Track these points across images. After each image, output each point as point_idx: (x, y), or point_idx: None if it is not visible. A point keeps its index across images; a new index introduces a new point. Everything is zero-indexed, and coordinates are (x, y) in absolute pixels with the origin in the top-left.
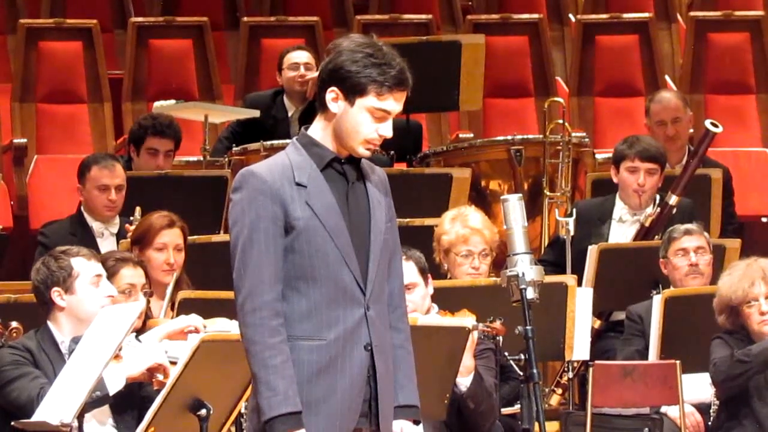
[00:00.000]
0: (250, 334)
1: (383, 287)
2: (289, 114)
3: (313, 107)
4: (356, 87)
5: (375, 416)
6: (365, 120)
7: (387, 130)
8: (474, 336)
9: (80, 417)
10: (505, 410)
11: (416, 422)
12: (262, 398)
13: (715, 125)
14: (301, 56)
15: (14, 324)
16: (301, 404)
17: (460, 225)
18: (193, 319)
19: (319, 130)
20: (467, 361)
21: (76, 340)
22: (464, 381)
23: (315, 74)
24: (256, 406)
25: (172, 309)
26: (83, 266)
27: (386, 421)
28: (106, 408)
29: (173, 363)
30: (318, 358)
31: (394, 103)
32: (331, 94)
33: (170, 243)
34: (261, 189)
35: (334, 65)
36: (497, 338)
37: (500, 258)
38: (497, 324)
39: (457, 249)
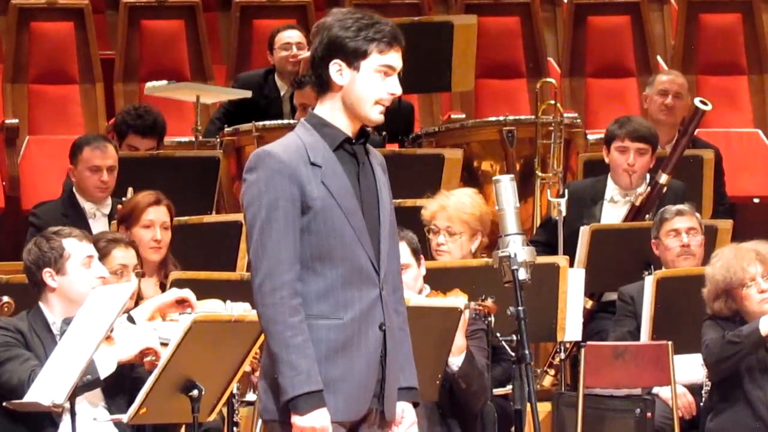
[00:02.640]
0: (270, 314)
1: (391, 268)
2: (281, 93)
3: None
4: (358, 51)
5: (384, 397)
6: (374, 81)
7: (395, 86)
8: (466, 315)
9: (71, 398)
10: (497, 391)
11: (415, 404)
12: (285, 377)
13: (705, 103)
14: (293, 35)
15: (6, 299)
16: None
17: (436, 202)
18: (185, 291)
19: (326, 109)
20: (459, 340)
21: (67, 321)
22: (456, 360)
23: (306, 54)
24: (272, 385)
25: (163, 289)
26: (75, 247)
27: (391, 402)
28: (97, 389)
29: (165, 344)
30: (335, 336)
31: (396, 57)
32: (335, 66)
33: (157, 220)
34: (278, 169)
35: (329, 38)
36: (489, 317)
37: (492, 239)
38: (489, 302)
39: (429, 225)
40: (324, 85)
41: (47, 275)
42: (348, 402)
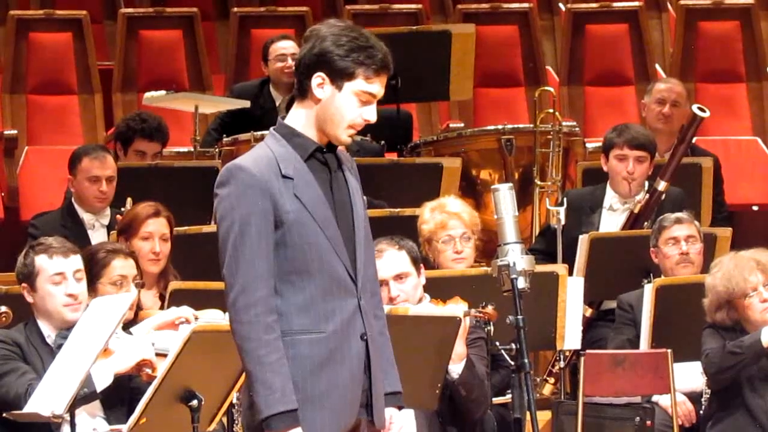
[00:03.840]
0: (244, 331)
1: (367, 274)
2: (277, 103)
3: None
4: (344, 71)
5: (371, 406)
6: (352, 104)
7: (371, 114)
8: (466, 322)
9: (71, 409)
10: (496, 400)
11: (400, 408)
12: (259, 396)
13: (702, 110)
14: (288, 46)
15: (3, 309)
16: (305, 399)
17: (439, 212)
18: (184, 311)
19: (300, 118)
20: (459, 348)
21: (62, 335)
22: (456, 368)
23: None
24: (251, 402)
25: (163, 300)
26: (44, 264)
27: (379, 410)
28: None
29: (161, 355)
30: (318, 351)
31: (379, 87)
32: (318, 79)
33: (156, 232)
34: (250, 183)
35: (320, 50)
36: (489, 324)
37: (491, 247)
38: (489, 309)
39: (437, 236)
40: (303, 93)
41: (25, 291)
42: (334, 416)
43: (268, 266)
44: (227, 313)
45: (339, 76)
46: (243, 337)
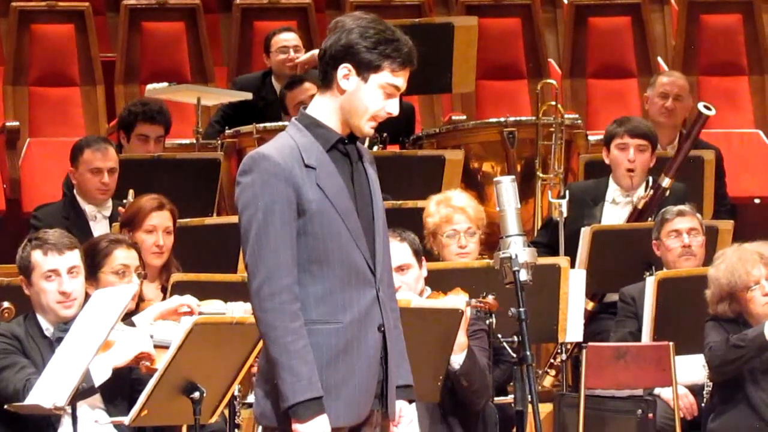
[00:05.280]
0: (269, 319)
1: (386, 267)
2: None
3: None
4: (371, 63)
5: (385, 397)
6: (377, 96)
7: (394, 107)
8: (467, 313)
9: (71, 402)
10: (498, 399)
11: (410, 401)
12: (285, 384)
13: (708, 108)
14: (290, 38)
15: (6, 304)
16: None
17: (444, 206)
18: (187, 299)
19: (323, 109)
20: (460, 338)
21: (62, 327)
22: (457, 358)
23: (305, 56)
24: (272, 390)
25: (165, 292)
26: (39, 260)
27: (393, 401)
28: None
29: (160, 347)
30: (336, 341)
31: (403, 80)
32: (344, 70)
33: (159, 225)
34: (274, 172)
35: (347, 42)
36: (490, 315)
37: (493, 240)
38: (490, 299)
39: (442, 230)
40: (327, 83)
41: (23, 284)
42: (350, 406)
43: (291, 254)
44: (250, 302)
45: (365, 69)
46: (268, 325)
